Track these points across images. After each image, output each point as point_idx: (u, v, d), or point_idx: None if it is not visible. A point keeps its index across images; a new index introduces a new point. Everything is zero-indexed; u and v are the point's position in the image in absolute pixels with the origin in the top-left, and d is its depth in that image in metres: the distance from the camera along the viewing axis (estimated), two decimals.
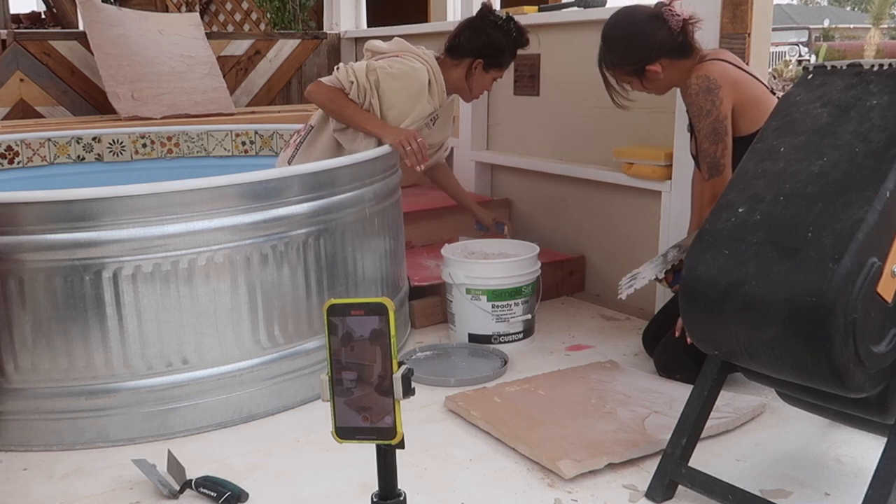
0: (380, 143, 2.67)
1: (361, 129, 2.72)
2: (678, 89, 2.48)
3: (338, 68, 2.77)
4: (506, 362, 2.56)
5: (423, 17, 6.26)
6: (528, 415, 2.14)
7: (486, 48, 2.81)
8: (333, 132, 2.80)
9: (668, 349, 2.42)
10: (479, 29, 2.82)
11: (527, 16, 3.51)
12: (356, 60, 2.89)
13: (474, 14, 2.94)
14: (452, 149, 3.96)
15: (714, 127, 2.26)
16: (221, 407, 2.19)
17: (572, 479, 1.86)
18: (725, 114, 2.26)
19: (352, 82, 2.70)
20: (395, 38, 2.95)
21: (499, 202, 3.74)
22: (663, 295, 2.83)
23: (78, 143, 3.44)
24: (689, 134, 2.49)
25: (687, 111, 2.38)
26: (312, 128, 2.88)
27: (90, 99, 4.34)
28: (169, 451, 1.90)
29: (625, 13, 2.43)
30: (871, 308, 1.46)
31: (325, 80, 2.78)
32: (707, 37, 2.63)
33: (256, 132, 3.64)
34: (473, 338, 2.71)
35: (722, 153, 2.27)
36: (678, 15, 2.31)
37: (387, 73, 2.71)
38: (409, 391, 1.11)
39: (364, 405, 1.11)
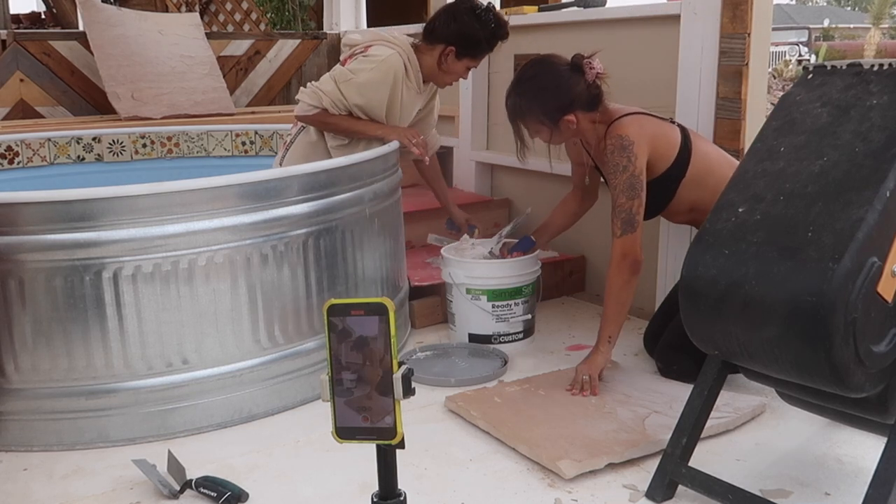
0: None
1: (365, 137, 2.72)
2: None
3: (303, 91, 2.76)
4: (506, 362, 2.56)
5: (423, 17, 6.25)
6: (528, 415, 2.14)
7: (459, 36, 2.73)
8: (331, 149, 2.80)
9: (668, 349, 2.42)
10: (453, 15, 2.74)
11: (527, 16, 3.51)
12: None
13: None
14: (452, 149, 3.97)
15: (631, 182, 2.28)
16: (221, 407, 2.19)
17: (572, 479, 1.86)
18: (641, 169, 2.30)
19: (332, 104, 2.69)
20: (370, 29, 2.92)
21: (499, 202, 3.74)
22: (663, 295, 2.83)
23: (78, 143, 3.44)
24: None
25: (603, 169, 2.44)
26: (304, 127, 2.88)
27: (90, 99, 4.34)
28: (169, 452, 1.90)
29: (544, 63, 2.42)
30: (872, 308, 1.46)
31: (302, 107, 2.76)
32: (707, 36, 2.64)
33: (256, 132, 3.64)
34: (473, 338, 2.71)
35: (637, 209, 2.29)
36: (594, 68, 2.34)
37: (356, 85, 2.68)
38: (409, 391, 1.11)
39: (364, 405, 1.11)
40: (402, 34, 2.85)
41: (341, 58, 2.87)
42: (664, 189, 2.40)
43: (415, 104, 2.87)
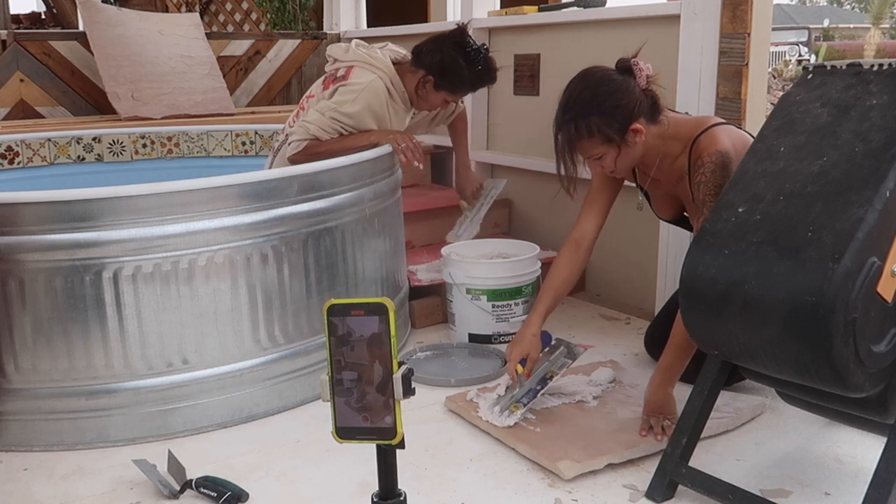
0: None
1: (358, 149, 2.68)
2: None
3: (291, 132, 2.75)
4: (506, 362, 2.55)
5: (423, 17, 6.26)
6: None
7: (441, 68, 2.68)
8: None
9: None
10: (441, 46, 2.68)
11: (527, 16, 3.51)
12: None
13: (456, 25, 2.79)
14: (452, 149, 3.96)
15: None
16: (222, 407, 2.19)
17: (572, 479, 1.86)
18: None
19: (320, 129, 2.66)
20: (353, 44, 2.81)
21: (499, 202, 3.73)
22: (663, 295, 2.84)
23: (78, 143, 3.44)
24: (640, 192, 2.32)
25: (695, 190, 2.05)
26: (287, 137, 2.86)
27: (90, 99, 4.34)
28: (169, 452, 1.90)
29: (590, 74, 2.05)
30: (871, 307, 1.46)
31: (293, 146, 2.71)
32: (707, 36, 2.64)
33: (256, 132, 3.64)
34: (473, 338, 2.71)
35: None
36: (643, 69, 2.02)
37: (342, 114, 2.65)
38: (409, 391, 1.11)
39: (364, 405, 1.11)
40: (386, 52, 2.79)
41: (326, 68, 2.84)
42: None
43: (404, 121, 2.84)
